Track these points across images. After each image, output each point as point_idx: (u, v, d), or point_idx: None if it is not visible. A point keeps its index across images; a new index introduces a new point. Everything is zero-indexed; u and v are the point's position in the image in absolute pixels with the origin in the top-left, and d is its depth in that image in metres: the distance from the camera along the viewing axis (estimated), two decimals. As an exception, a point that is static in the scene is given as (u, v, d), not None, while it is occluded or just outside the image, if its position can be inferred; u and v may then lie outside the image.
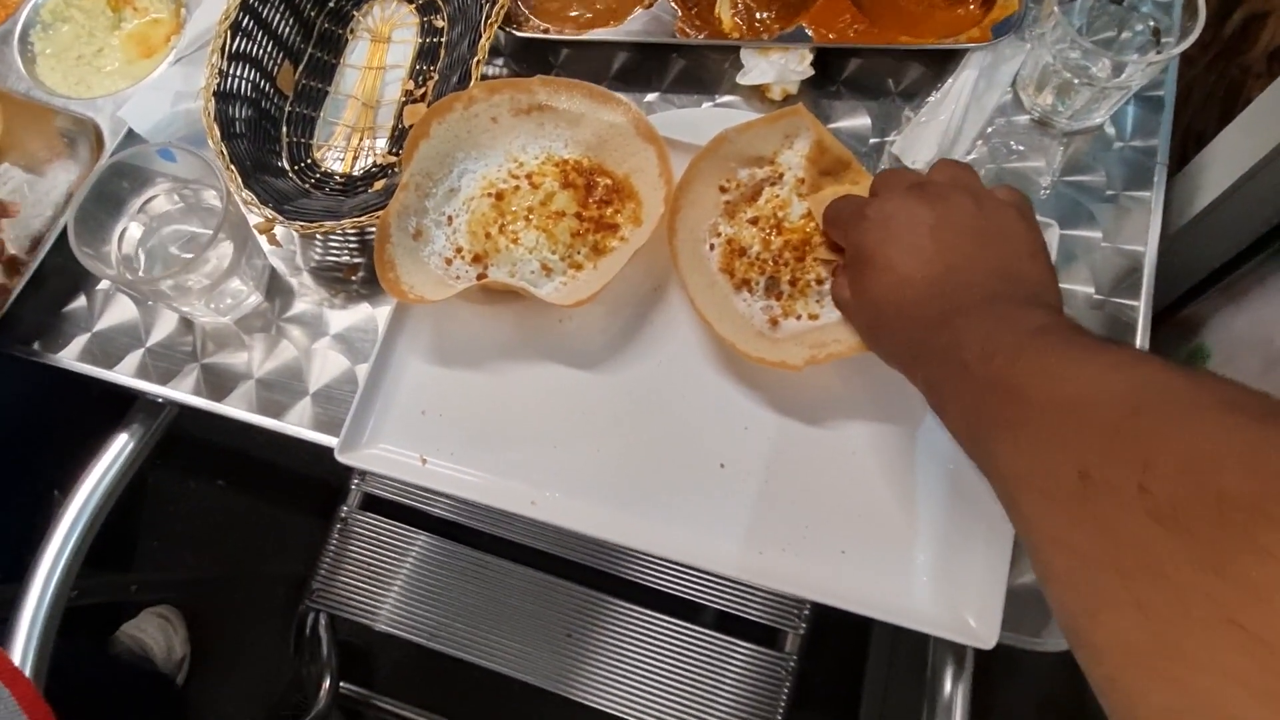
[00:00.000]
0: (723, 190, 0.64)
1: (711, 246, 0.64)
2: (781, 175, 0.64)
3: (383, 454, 0.63)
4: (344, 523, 1.08)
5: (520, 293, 0.62)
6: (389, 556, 1.07)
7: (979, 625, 0.54)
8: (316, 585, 1.05)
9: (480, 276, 0.63)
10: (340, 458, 0.61)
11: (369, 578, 1.06)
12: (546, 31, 0.74)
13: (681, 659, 0.98)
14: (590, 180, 0.65)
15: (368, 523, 1.08)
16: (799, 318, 0.61)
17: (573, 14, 0.76)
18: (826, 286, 0.60)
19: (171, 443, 0.76)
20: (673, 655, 0.98)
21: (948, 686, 0.64)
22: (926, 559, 0.57)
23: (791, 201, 0.63)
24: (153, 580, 1.42)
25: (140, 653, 1.30)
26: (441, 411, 0.64)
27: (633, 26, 0.73)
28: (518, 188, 0.65)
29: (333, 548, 1.07)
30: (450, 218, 0.66)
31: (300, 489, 1.50)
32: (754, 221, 0.63)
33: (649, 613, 1.00)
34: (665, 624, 0.99)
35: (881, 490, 0.59)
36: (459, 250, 0.64)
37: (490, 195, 0.65)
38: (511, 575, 1.03)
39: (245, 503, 1.55)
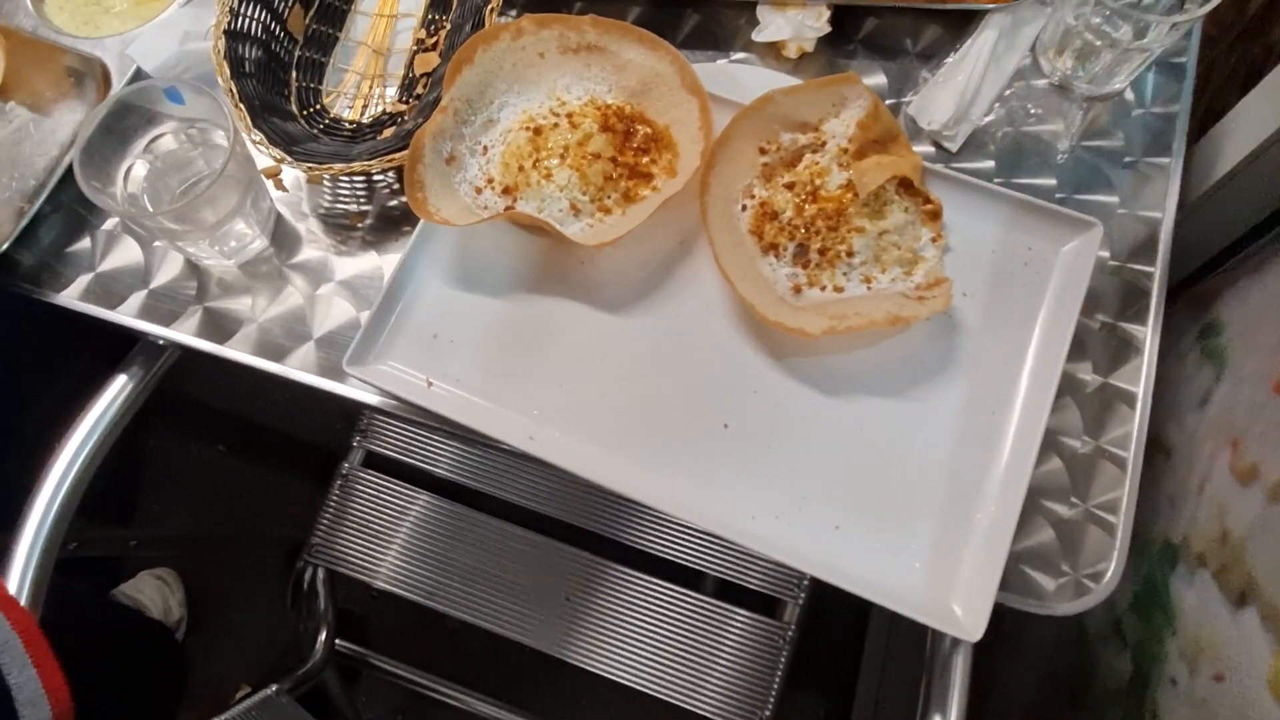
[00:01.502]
0: (762, 152, 0.64)
1: (744, 207, 0.63)
2: (824, 143, 0.63)
3: (390, 370, 0.62)
4: (345, 479, 1.07)
5: (546, 229, 0.61)
6: (389, 514, 1.07)
7: (965, 616, 0.53)
8: (315, 540, 1.05)
9: (508, 208, 0.63)
10: (347, 368, 0.60)
11: (368, 535, 1.06)
12: None
13: (680, 625, 0.98)
14: (630, 127, 0.65)
15: (369, 480, 1.08)
16: (823, 288, 0.61)
17: None
18: (856, 259, 0.60)
19: (174, 405, 0.76)
20: (671, 621, 0.98)
21: (948, 661, 0.63)
22: (921, 544, 0.56)
23: (831, 170, 0.62)
24: (151, 538, 1.42)
25: (133, 607, 1.30)
26: (453, 337, 0.63)
27: None
28: (556, 125, 0.64)
29: (333, 504, 1.07)
30: (486, 148, 0.65)
31: (301, 454, 1.50)
32: (790, 186, 0.62)
33: (648, 578, 1.00)
34: (664, 590, 0.99)
35: (884, 470, 0.58)
36: (490, 181, 0.64)
37: (529, 130, 0.64)
38: (512, 537, 1.03)
39: (246, 467, 1.55)
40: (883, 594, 0.54)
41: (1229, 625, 0.59)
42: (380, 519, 1.06)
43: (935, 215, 0.63)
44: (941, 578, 0.55)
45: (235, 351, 0.68)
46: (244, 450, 1.56)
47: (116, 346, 0.75)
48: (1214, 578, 0.62)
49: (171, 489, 1.53)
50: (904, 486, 0.58)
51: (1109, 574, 0.58)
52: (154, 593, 1.42)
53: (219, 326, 0.69)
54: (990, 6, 0.70)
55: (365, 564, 1.04)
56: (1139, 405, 0.61)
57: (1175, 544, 0.68)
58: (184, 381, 0.66)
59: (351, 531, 1.05)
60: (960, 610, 0.54)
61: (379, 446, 1.09)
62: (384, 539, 1.05)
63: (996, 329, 0.61)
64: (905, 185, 0.62)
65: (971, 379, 0.60)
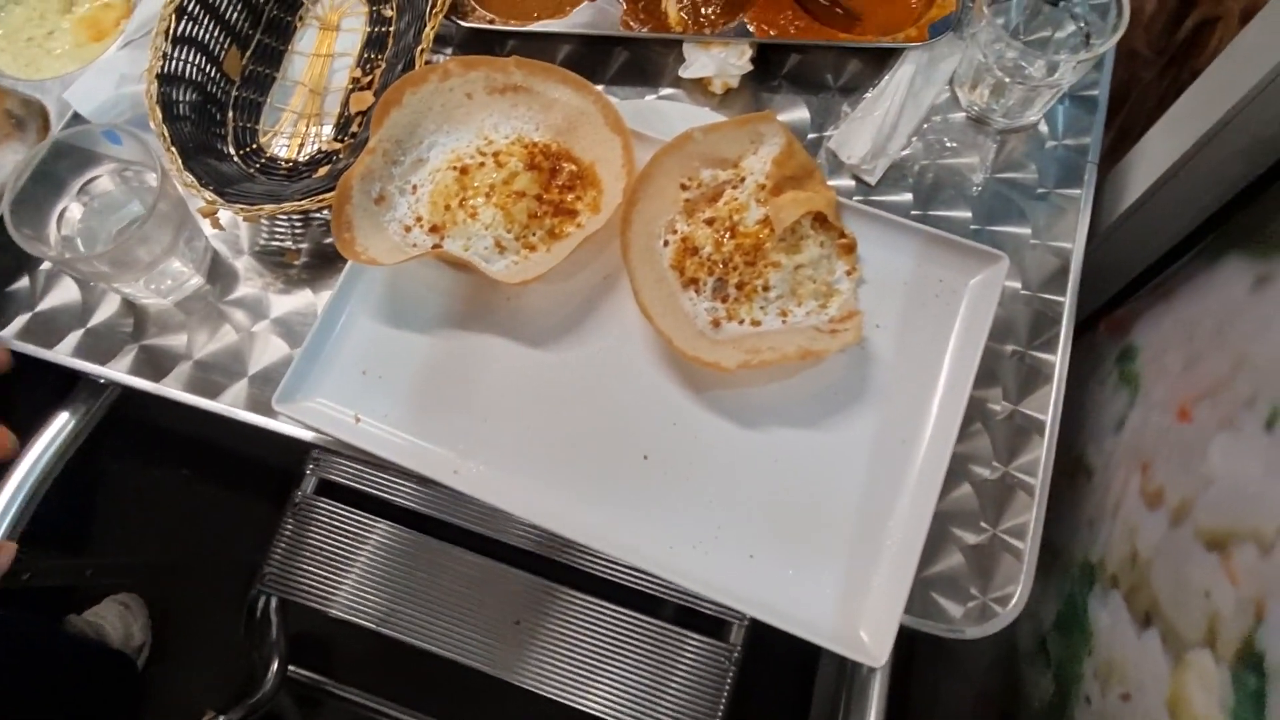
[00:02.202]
0: (684, 188, 0.65)
1: (666, 242, 0.65)
2: (743, 179, 0.65)
3: (319, 407, 0.63)
4: (297, 507, 1.08)
5: (470, 267, 0.63)
6: (343, 542, 1.08)
7: (871, 642, 0.55)
8: (269, 570, 1.06)
9: (435, 246, 0.64)
10: (277, 406, 0.62)
11: (323, 563, 1.07)
12: (492, 22, 0.75)
13: (630, 648, 0.99)
14: (555, 165, 0.66)
15: (322, 508, 1.09)
16: (741, 322, 0.62)
17: (520, 6, 0.77)
18: (772, 294, 0.62)
19: (135, 429, 0.77)
20: (622, 644, 0.99)
21: (865, 685, 0.64)
22: (832, 572, 0.58)
23: (749, 206, 0.64)
24: (109, 564, 1.42)
25: (96, 638, 1.30)
26: (381, 373, 0.65)
27: (579, 19, 0.74)
28: (483, 164, 0.66)
29: (286, 532, 1.08)
30: (415, 187, 0.67)
31: (262, 477, 1.50)
32: (710, 222, 0.64)
33: (598, 602, 1.01)
34: (614, 613, 1.00)
35: (798, 499, 0.60)
36: (419, 219, 0.65)
37: (456, 169, 0.66)
38: (462, 562, 1.04)
39: (206, 490, 1.55)
40: (793, 621, 0.55)
41: (1135, 646, 0.60)
42: (333, 546, 1.07)
43: (850, 249, 0.64)
44: (851, 604, 0.57)
45: (170, 389, 0.69)
46: (207, 474, 1.56)
47: (64, 380, 0.76)
48: (1124, 599, 0.64)
49: (134, 514, 1.54)
50: (817, 515, 0.60)
51: (1015, 598, 0.60)
52: (116, 619, 1.41)
53: (155, 364, 0.70)
54: (907, 45, 0.73)
55: (319, 592, 1.05)
56: (1048, 432, 0.63)
57: (1093, 564, 0.70)
58: (145, 405, 0.67)
59: (306, 560, 1.06)
60: (867, 636, 0.55)
61: (331, 474, 1.10)
62: (337, 566, 1.06)
63: (908, 360, 0.63)
64: (821, 220, 0.64)
65: (884, 409, 0.61)
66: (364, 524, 1.08)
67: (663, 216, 0.65)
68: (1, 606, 0.69)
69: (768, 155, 0.65)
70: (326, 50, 0.79)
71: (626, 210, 0.64)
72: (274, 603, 1.06)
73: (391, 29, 0.78)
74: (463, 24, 0.75)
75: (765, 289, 0.62)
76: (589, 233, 0.63)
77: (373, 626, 1.03)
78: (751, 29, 0.72)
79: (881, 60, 0.75)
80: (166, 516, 1.52)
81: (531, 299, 0.66)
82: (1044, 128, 0.73)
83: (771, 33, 0.72)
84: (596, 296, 0.66)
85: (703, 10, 0.74)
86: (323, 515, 1.08)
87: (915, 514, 0.58)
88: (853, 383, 0.62)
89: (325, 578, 1.06)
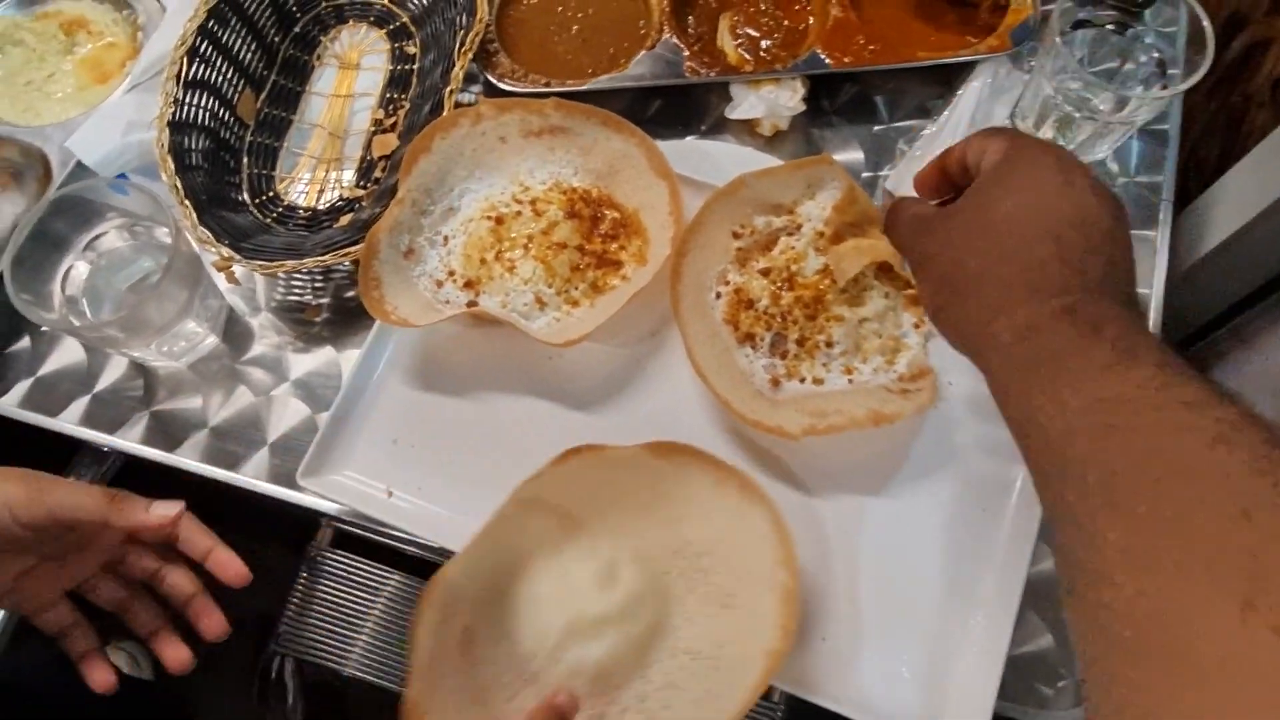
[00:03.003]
0: (736, 236, 0.61)
1: (718, 295, 0.60)
2: (800, 226, 0.60)
3: (347, 481, 0.59)
4: (313, 562, 1.03)
5: (508, 325, 0.58)
6: (359, 597, 1.02)
7: None
8: (284, 628, 1.00)
9: (471, 304, 0.60)
10: (302, 481, 0.57)
11: (338, 619, 1.01)
12: (548, 84, 0.70)
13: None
14: (597, 212, 0.62)
15: (338, 561, 1.03)
16: (803, 380, 0.58)
17: (571, 60, 0.73)
18: (836, 349, 0.57)
19: (139, 465, 0.72)
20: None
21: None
22: (911, 654, 0.53)
23: (808, 255, 0.59)
24: (112, 623, 1.37)
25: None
26: (414, 442, 0.60)
27: (639, 70, 0.70)
28: (519, 213, 0.61)
29: (300, 588, 1.02)
30: (446, 238, 0.62)
31: (273, 520, 1.45)
32: (765, 272, 0.60)
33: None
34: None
35: (872, 576, 0.55)
36: (451, 273, 0.61)
37: (490, 219, 0.61)
38: (488, 620, 0.98)
39: (217, 531, 1.50)
40: (870, 712, 0.51)
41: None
42: (350, 602, 1.01)
43: (917, 300, 0.60)
44: (933, 690, 0.52)
45: (185, 460, 0.64)
46: (216, 515, 1.51)
47: (64, 446, 0.71)
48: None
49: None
50: (891, 591, 0.55)
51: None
52: (125, 665, 1.36)
53: (168, 433, 0.65)
54: (990, 56, 0.68)
55: (335, 651, 1.00)
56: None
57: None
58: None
59: (320, 616, 1.00)
60: (954, 729, 0.50)
61: (349, 526, 1.05)
62: (354, 623, 1.00)
63: (984, 420, 0.58)
64: (885, 270, 0.60)
65: (960, 474, 0.57)
66: (383, 578, 1.02)
67: (714, 267, 0.61)
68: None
69: (826, 201, 0.60)
70: (346, 91, 0.74)
71: (676, 261, 0.59)
72: (290, 665, 1.00)
73: (415, 67, 0.74)
74: (503, 85, 0.70)
75: (828, 344, 0.58)
76: (637, 287, 0.58)
77: (391, 686, 0.97)
78: (826, 59, 0.67)
79: (940, 91, 0.70)
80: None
81: (574, 357, 0.61)
82: (1112, 164, 0.68)
83: (847, 60, 0.67)
84: (644, 355, 0.62)
85: (762, 45, 0.70)
86: (340, 569, 1.02)
87: (1002, 591, 0.53)
88: (924, 445, 0.58)
89: (342, 634, 1.00)
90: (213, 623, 0.54)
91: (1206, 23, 0.59)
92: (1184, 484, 0.31)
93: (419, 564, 1.04)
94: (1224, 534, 0.29)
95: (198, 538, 0.54)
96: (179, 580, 0.54)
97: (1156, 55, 0.66)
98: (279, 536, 1.36)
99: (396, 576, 1.02)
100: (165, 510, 0.52)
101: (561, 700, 0.48)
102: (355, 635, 1.00)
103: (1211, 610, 0.28)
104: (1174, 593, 0.29)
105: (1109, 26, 0.67)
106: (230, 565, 0.54)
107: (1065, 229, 0.40)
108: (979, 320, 0.41)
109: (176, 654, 0.54)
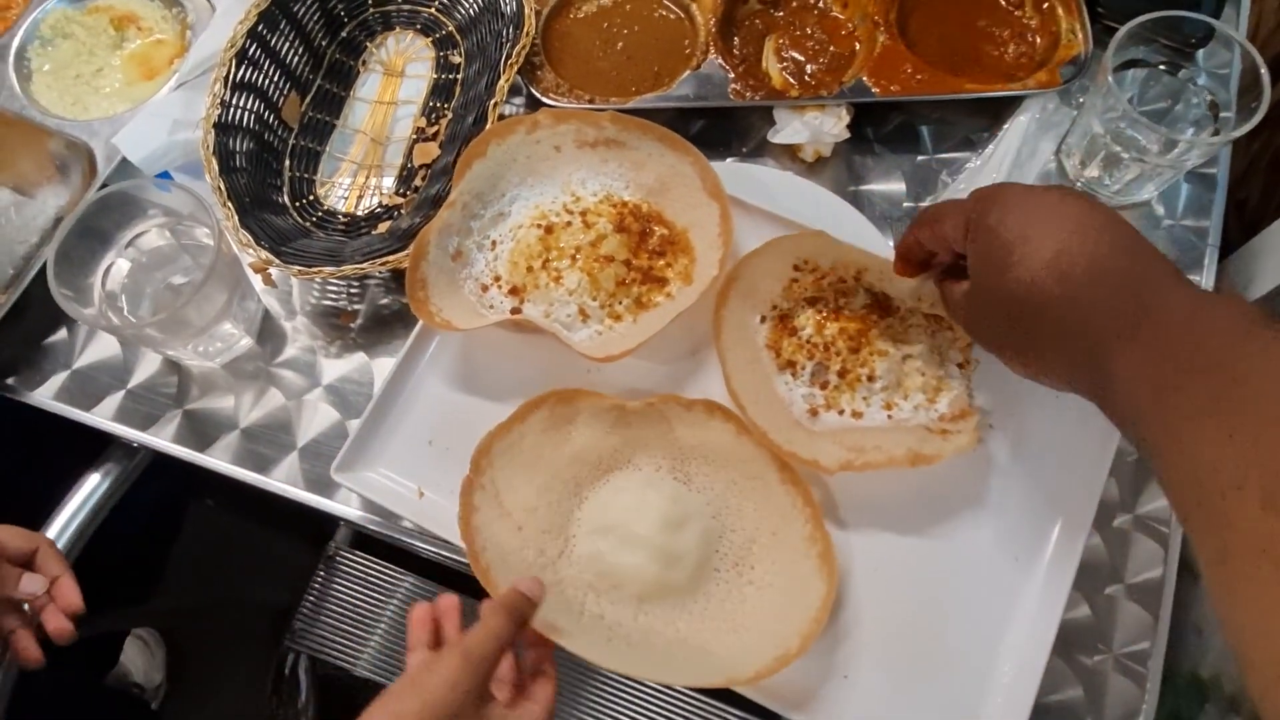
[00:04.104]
0: (797, 269, 0.60)
1: (762, 318, 0.60)
2: (858, 278, 0.59)
3: (380, 479, 0.59)
4: (330, 560, 1.03)
5: (550, 334, 0.58)
6: (374, 597, 1.03)
7: None
8: (299, 625, 1.01)
9: (514, 311, 0.60)
10: (336, 475, 0.57)
11: (352, 619, 1.02)
12: (592, 101, 0.70)
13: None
14: (646, 227, 0.62)
15: (355, 561, 1.04)
16: (841, 413, 0.57)
17: (615, 77, 0.73)
18: (877, 384, 0.57)
19: (157, 455, 0.72)
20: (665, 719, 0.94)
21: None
22: (936, 698, 0.52)
23: (857, 291, 0.59)
24: (130, 613, 1.38)
25: (122, 676, 1.26)
26: (449, 445, 0.60)
27: (684, 90, 0.69)
28: (569, 223, 0.61)
29: (317, 585, 1.03)
30: (494, 242, 0.62)
31: (293, 514, 1.45)
32: (812, 302, 0.59)
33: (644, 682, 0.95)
34: (652, 687, 0.95)
35: (898, 615, 0.54)
36: (497, 279, 0.61)
37: (539, 226, 0.61)
38: (503, 628, 0.98)
39: (234, 524, 1.50)
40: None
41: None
42: (365, 602, 1.02)
43: (964, 341, 0.59)
44: (960, 737, 0.52)
45: (215, 461, 0.64)
46: (233, 506, 1.52)
47: (95, 438, 0.72)
48: (1250, 729, 0.58)
49: (153, 546, 1.49)
50: (918, 633, 0.54)
51: (1139, 731, 0.54)
52: (137, 655, 1.37)
53: (199, 432, 0.65)
54: (1037, 92, 0.67)
55: (348, 651, 1.00)
56: (1170, 545, 0.58)
57: (1204, 679, 0.64)
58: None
59: (335, 615, 1.01)
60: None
61: (367, 527, 1.05)
62: (368, 624, 1.01)
63: (1024, 467, 0.57)
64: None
65: (995, 520, 0.56)
66: (397, 579, 1.03)
67: (766, 294, 0.60)
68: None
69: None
70: (390, 97, 0.74)
71: (726, 286, 0.59)
72: (303, 661, 1.01)
73: (459, 76, 0.74)
74: (547, 100, 0.70)
75: (870, 378, 0.57)
76: (682, 307, 0.58)
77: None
78: (873, 88, 0.67)
79: (986, 124, 0.70)
80: (189, 549, 1.47)
81: (612, 371, 0.61)
82: (1159, 206, 0.67)
83: (894, 88, 0.67)
84: (683, 374, 0.61)
85: (807, 69, 0.69)
86: (356, 569, 1.03)
87: (1033, 642, 0.52)
88: (960, 486, 0.57)
89: (355, 635, 1.01)
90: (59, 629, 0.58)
91: (1264, 69, 0.58)
92: None
93: (433, 567, 1.04)
94: None
95: (50, 564, 0.58)
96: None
97: (1209, 98, 0.65)
98: (298, 533, 1.37)
99: (410, 579, 1.03)
100: (32, 588, 0.57)
101: (531, 588, 0.50)
102: (368, 635, 1.01)
103: None
104: None
105: (1161, 67, 0.66)
106: (68, 595, 0.58)
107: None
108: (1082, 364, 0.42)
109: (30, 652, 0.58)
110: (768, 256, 0.59)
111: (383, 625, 1.01)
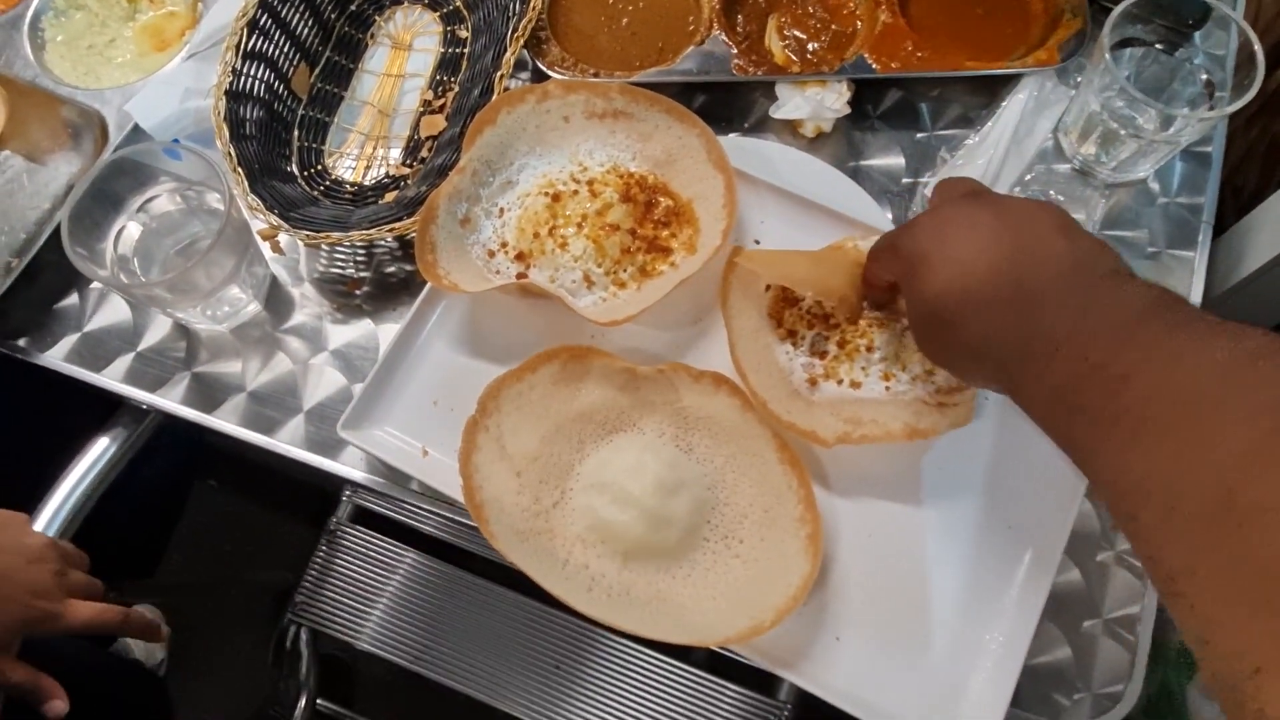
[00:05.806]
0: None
1: (767, 287, 0.61)
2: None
3: (386, 437, 0.60)
4: (332, 535, 1.04)
5: (554, 299, 0.59)
6: (376, 572, 1.04)
7: None
8: (300, 598, 1.02)
9: (520, 276, 0.61)
10: (343, 432, 0.58)
11: (354, 593, 1.03)
12: (597, 75, 0.71)
13: (670, 698, 0.94)
14: (652, 198, 0.63)
15: (357, 536, 1.05)
16: (840, 382, 0.58)
17: (619, 51, 0.74)
18: (876, 355, 0.57)
19: (161, 434, 0.73)
20: (661, 694, 0.95)
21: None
22: (926, 661, 0.53)
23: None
24: (133, 587, 1.39)
25: (123, 653, 1.27)
26: (453, 405, 0.60)
27: (687, 65, 0.71)
28: (576, 192, 0.62)
29: (319, 560, 1.04)
30: (502, 209, 0.63)
31: (294, 493, 1.46)
32: None
33: (639, 649, 0.96)
34: (655, 661, 0.96)
35: (891, 579, 0.55)
36: (504, 245, 0.62)
37: (547, 195, 0.62)
38: (501, 600, 0.99)
39: (236, 504, 1.51)
40: (879, 714, 0.51)
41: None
42: (366, 577, 1.03)
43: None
44: (945, 696, 0.52)
45: (222, 422, 0.65)
46: (236, 486, 1.53)
47: (105, 403, 0.73)
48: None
49: (156, 524, 1.50)
50: (911, 599, 0.55)
51: (1126, 693, 0.55)
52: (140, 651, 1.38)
53: (207, 394, 0.66)
54: (1035, 70, 0.68)
55: (350, 625, 1.01)
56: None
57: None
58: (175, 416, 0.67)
59: (337, 590, 1.02)
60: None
61: (368, 501, 1.06)
62: (369, 598, 1.02)
63: (1018, 437, 0.58)
64: None
65: (989, 489, 0.57)
66: (399, 555, 1.04)
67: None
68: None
69: None
70: (397, 70, 0.75)
71: (735, 253, 0.60)
72: (305, 634, 1.02)
73: (466, 50, 0.75)
74: (553, 73, 0.71)
75: (869, 349, 0.58)
76: (685, 275, 0.59)
77: (404, 663, 0.99)
78: (874, 64, 0.68)
79: (985, 101, 0.71)
80: (192, 528, 1.49)
81: (616, 337, 0.62)
82: (1154, 183, 0.68)
83: (894, 65, 0.68)
84: (686, 341, 0.62)
85: (809, 47, 0.70)
86: (358, 544, 1.04)
87: (1023, 610, 0.53)
88: (956, 456, 0.58)
89: (357, 609, 1.02)
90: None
91: (1258, 46, 0.59)
92: None
93: (434, 543, 1.05)
94: None
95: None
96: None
97: (1205, 77, 0.66)
98: (300, 509, 1.39)
99: (412, 555, 1.04)
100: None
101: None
102: (369, 610, 1.02)
103: None
104: None
105: (1158, 46, 0.67)
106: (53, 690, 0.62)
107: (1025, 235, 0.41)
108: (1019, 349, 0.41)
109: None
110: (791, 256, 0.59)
111: (384, 600, 1.02)
